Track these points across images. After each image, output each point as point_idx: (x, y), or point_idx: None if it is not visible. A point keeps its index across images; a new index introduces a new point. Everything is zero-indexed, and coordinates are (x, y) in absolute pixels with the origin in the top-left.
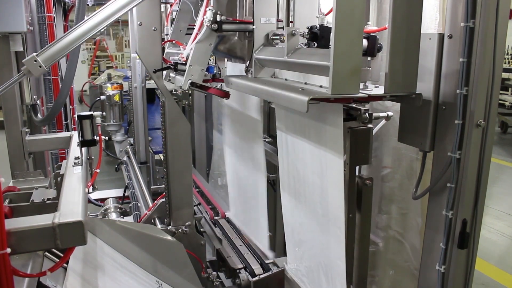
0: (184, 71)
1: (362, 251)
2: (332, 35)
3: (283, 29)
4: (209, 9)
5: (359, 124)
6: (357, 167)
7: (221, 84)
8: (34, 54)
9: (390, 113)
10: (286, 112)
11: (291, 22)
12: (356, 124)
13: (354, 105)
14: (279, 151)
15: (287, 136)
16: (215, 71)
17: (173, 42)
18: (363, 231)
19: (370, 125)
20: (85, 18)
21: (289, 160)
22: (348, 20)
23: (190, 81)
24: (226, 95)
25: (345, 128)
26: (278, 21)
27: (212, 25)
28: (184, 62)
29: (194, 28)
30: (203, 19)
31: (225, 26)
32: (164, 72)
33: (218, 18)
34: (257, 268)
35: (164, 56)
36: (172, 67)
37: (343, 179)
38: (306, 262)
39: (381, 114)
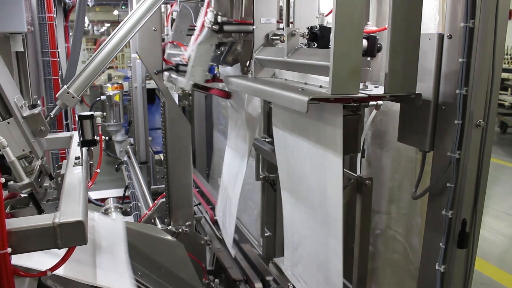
0: (186, 72)
1: (362, 251)
2: (332, 35)
3: (283, 30)
4: (210, 10)
5: (348, 112)
6: (357, 167)
7: (222, 85)
8: (65, 86)
9: (380, 102)
10: (283, 111)
11: (291, 22)
12: (345, 112)
13: (354, 105)
14: (277, 149)
15: (284, 134)
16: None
17: (174, 43)
18: (363, 231)
19: (359, 113)
20: (86, 18)
21: (288, 159)
22: (348, 20)
23: (192, 82)
24: (227, 95)
25: None
26: (278, 22)
27: (213, 26)
28: (186, 63)
29: (195, 29)
30: (204, 20)
31: (226, 27)
32: (165, 73)
33: (219, 19)
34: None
35: (165, 57)
36: (174, 68)
37: (342, 179)
38: (304, 261)
39: (371, 103)
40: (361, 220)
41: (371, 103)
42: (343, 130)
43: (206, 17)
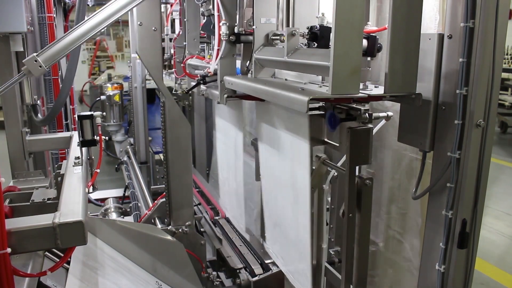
0: (213, 81)
1: (362, 251)
2: (332, 35)
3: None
4: (223, 24)
5: (359, 124)
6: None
7: None
8: (35, 54)
9: (390, 113)
10: (263, 105)
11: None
12: (356, 124)
13: (354, 105)
14: (259, 140)
15: (265, 126)
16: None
17: (194, 57)
18: (363, 231)
19: (370, 125)
20: (85, 18)
21: (267, 147)
22: (348, 20)
23: (226, 96)
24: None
25: (345, 128)
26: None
27: (231, 37)
28: (211, 75)
29: (205, 37)
30: (220, 34)
31: (243, 38)
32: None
33: (236, 30)
34: (257, 268)
35: (186, 70)
36: (202, 82)
37: (309, 161)
38: (280, 239)
39: (381, 114)
40: (361, 220)
41: (381, 114)
42: (354, 142)
43: (221, 31)
